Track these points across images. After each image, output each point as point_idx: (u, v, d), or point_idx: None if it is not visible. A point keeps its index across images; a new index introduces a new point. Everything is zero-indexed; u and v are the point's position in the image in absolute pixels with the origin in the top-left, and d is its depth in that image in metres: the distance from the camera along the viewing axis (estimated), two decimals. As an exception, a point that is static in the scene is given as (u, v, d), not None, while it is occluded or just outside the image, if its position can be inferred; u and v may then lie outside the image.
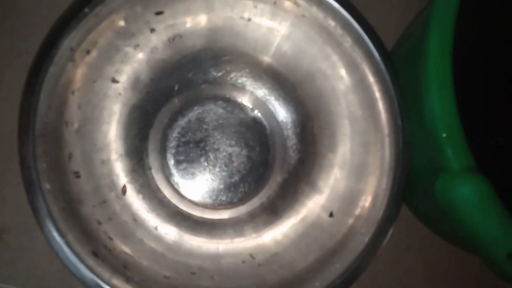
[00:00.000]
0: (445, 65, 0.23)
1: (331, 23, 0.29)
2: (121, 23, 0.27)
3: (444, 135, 0.23)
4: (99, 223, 0.26)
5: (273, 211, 0.32)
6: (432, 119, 0.23)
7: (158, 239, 0.29)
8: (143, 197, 0.30)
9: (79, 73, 0.26)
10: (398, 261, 0.35)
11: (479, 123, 0.27)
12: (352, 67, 0.29)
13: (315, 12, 0.29)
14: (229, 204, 0.32)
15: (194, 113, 0.33)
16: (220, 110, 0.34)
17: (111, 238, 0.26)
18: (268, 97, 0.34)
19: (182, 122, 0.33)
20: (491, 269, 0.23)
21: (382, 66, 0.28)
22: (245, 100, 0.34)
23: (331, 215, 0.30)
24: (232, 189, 0.33)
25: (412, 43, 0.29)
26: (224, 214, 0.32)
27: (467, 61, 0.26)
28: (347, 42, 0.29)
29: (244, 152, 0.33)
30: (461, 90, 0.24)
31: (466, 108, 0.24)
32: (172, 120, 0.33)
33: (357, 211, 0.28)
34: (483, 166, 0.23)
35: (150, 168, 0.31)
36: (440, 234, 0.33)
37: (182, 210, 0.31)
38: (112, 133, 0.29)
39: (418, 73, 0.25)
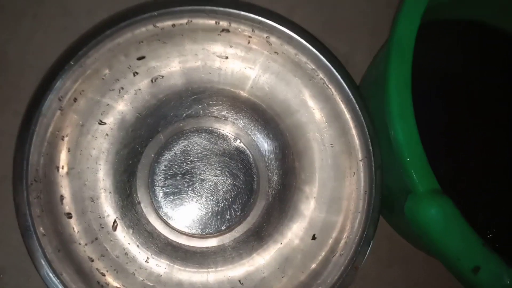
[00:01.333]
0: (405, 95, 0.25)
1: (302, 59, 0.31)
2: (106, 71, 0.29)
3: (408, 160, 0.25)
4: (92, 260, 0.28)
5: (259, 237, 0.33)
6: (397, 146, 0.25)
7: (149, 271, 0.30)
8: (133, 232, 0.31)
9: (68, 119, 0.28)
10: (382, 277, 0.36)
11: (443, 147, 0.29)
12: (325, 99, 0.31)
13: (287, 49, 0.31)
14: (217, 232, 0.34)
15: (179, 146, 0.35)
16: (204, 142, 0.35)
17: (103, 274, 0.28)
18: (249, 128, 0.35)
19: (168, 156, 0.34)
20: (460, 282, 0.25)
21: (352, 97, 0.30)
22: (227, 131, 0.35)
23: (313, 237, 0.31)
24: (219, 217, 0.34)
25: (378, 73, 0.31)
26: (212, 242, 0.33)
27: (428, 90, 0.29)
28: (318, 75, 0.31)
29: (229, 180, 0.35)
30: (424, 117, 0.26)
31: (430, 134, 0.26)
32: (159, 155, 0.34)
33: (337, 233, 0.30)
34: (448, 186, 0.25)
35: (139, 203, 0.33)
36: (420, 248, 0.35)
37: (172, 241, 0.33)
38: (101, 172, 0.31)
39: (383, 103, 0.27)
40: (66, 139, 0.28)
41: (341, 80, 0.30)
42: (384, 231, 0.36)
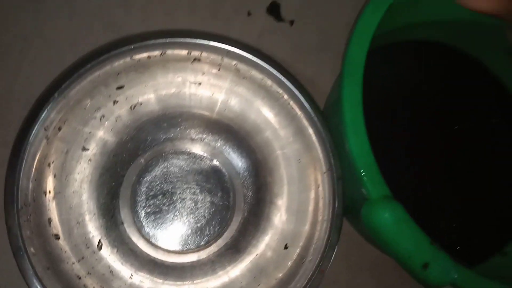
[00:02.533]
0: (357, 113, 0.28)
1: (268, 82, 0.34)
2: (87, 101, 0.32)
3: (362, 171, 0.28)
4: (79, 277, 0.30)
5: (236, 249, 0.36)
6: (352, 158, 0.28)
7: (134, 287, 0.32)
8: (117, 250, 0.33)
9: (53, 147, 0.30)
10: (353, 282, 0.39)
11: (395, 158, 0.32)
12: (290, 119, 0.34)
13: (254, 74, 0.34)
14: (197, 247, 0.36)
15: (159, 168, 0.37)
16: (182, 163, 0.38)
17: (91, 290, 0.30)
18: (223, 148, 0.38)
19: (148, 177, 0.37)
20: (414, 279, 0.27)
21: (313, 115, 0.33)
22: (203, 151, 0.38)
23: (285, 247, 0.34)
24: (199, 233, 0.37)
25: (336, 93, 0.34)
26: (192, 257, 0.36)
27: (380, 106, 0.32)
28: (283, 97, 0.34)
29: (207, 198, 0.37)
30: (382, 131, 0.29)
31: (384, 147, 0.29)
32: (139, 177, 0.36)
33: (305, 241, 0.32)
34: (399, 193, 0.28)
35: (122, 223, 0.35)
36: (385, 253, 0.38)
37: (154, 258, 0.35)
38: (85, 195, 0.33)
39: (340, 120, 0.30)
40: (52, 165, 0.31)
41: (304, 101, 0.33)
42: (353, 239, 0.39)
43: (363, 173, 0.28)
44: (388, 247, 0.27)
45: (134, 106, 0.35)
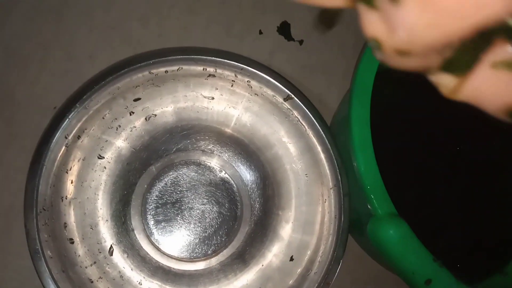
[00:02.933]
0: (365, 133, 0.30)
1: (279, 99, 0.35)
2: (106, 111, 0.33)
3: (369, 188, 0.29)
4: (92, 281, 0.31)
5: (242, 259, 0.37)
6: (359, 176, 0.29)
7: (143, 292, 0.33)
8: (128, 256, 0.34)
9: (72, 155, 0.32)
10: (356, 296, 0.40)
11: (401, 177, 0.33)
12: (299, 135, 0.35)
13: (266, 91, 0.35)
14: (204, 256, 0.37)
15: (169, 177, 0.38)
16: (192, 173, 0.39)
17: (102, 294, 0.31)
18: (233, 160, 0.39)
19: (159, 186, 0.38)
20: (416, 294, 0.28)
21: (322, 133, 0.34)
22: (213, 163, 0.39)
23: (291, 259, 0.35)
24: (206, 242, 0.38)
25: (345, 111, 0.36)
26: (200, 265, 0.37)
27: (387, 126, 0.33)
28: (293, 114, 0.35)
29: (215, 208, 0.38)
30: (390, 150, 0.30)
31: (390, 166, 0.30)
32: (151, 185, 0.38)
33: (311, 253, 0.33)
34: (404, 211, 0.29)
35: (133, 230, 0.36)
36: (387, 267, 0.39)
37: (162, 265, 0.36)
38: (99, 202, 0.34)
39: (348, 138, 0.31)
40: (70, 172, 0.32)
41: (313, 118, 0.34)
42: (358, 254, 0.40)
43: (370, 191, 0.29)
44: (392, 263, 0.28)
45: (149, 117, 0.36)
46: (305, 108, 0.34)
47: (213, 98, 0.37)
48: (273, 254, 0.36)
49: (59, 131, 0.30)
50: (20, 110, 0.37)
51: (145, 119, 0.36)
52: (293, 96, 0.34)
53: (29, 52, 0.39)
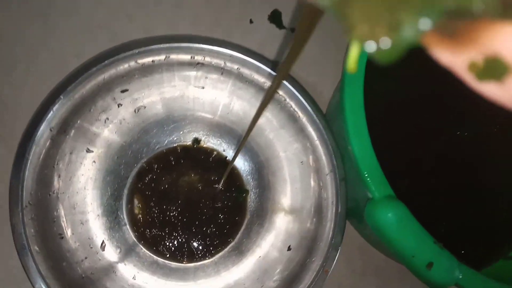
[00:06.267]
0: (359, 117, 0.29)
1: (268, 85, 0.34)
2: (92, 103, 0.32)
3: (365, 172, 0.28)
4: (83, 277, 0.30)
5: (239, 251, 0.36)
6: (354, 159, 0.28)
7: (137, 287, 0.32)
8: (121, 251, 0.33)
9: (58, 148, 0.31)
10: (356, 286, 0.39)
11: (397, 163, 0.32)
12: (292, 120, 0.34)
13: (256, 78, 0.34)
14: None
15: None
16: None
17: (94, 290, 0.30)
18: (227, 151, 0.38)
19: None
20: (418, 278, 0.27)
21: (316, 118, 0.33)
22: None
23: (289, 248, 0.34)
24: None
25: (338, 98, 0.35)
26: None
27: (382, 109, 0.32)
28: (286, 100, 0.34)
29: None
30: (380, 137, 0.29)
31: (385, 152, 0.29)
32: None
33: (309, 242, 0.32)
34: (402, 195, 0.28)
35: (125, 224, 0.35)
36: (388, 255, 0.38)
37: (157, 259, 0.35)
38: (89, 196, 0.33)
39: (342, 122, 0.30)
40: (56, 166, 0.31)
41: (306, 104, 0.33)
42: (357, 243, 0.39)
43: (366, 174, 0.28)
44: (391, 246, 0.27)
45: (138, 109, 0.35)
46: (298, 94, 0.33)
47: (203, 88, 0.36)
48: (270, 244, 0.35)
49: (43, 124, 0.29)
50: (7, 112, 0.36)
51: (134, 111, 0.35)
52: (285, 82, 0.33)
53: (15, 54, 0.38)
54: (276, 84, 0.22)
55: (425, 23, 0.08)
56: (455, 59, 0.09)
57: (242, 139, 0.29)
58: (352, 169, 0.32)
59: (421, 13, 0.08)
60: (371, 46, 0.09)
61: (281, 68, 0.20)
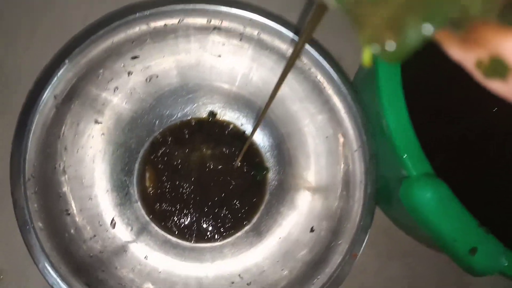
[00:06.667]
0: (395, 85, 0.26)
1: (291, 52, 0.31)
2: (100, 70, 0.29)
3: (401, 145, 0.25)
4: (91, 256, 0.28)
5: (258, 232, 0.33)
6: (389, 133, 0.25)
7: (149, 268, 0.30)
8: (132, 229, 0.31)
9: (63, 118, 0.28)
10: (382, 271, 0.36)
11: (435, 139, 0.29)
12: (317, 91, 0.31)
13: (278, 45, 0.31)
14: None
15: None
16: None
17: (103, 270, 0.28)
18: (245, 125, 0.36)
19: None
20: (458, 265, 0.25)
21: (344, 89, 0.30)
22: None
23: (312, 230, 0.31)
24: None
25: (368, 68, 0.32)
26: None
27: (418, 81, 0.29)
28: (310, 69, 0.31)
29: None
30: (420, 109, 0.26)
31: (423, 127, 0.26)
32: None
33: (334, 223, 0.30)
34: (440, 173, 0.25)
35: (136, 201, 0.33)
36: (419, 239, 0.35)
37: (170, 239, 0.33)
38: (98, 171, 0.31)
39: (374, 94, 0.27)
40: (62, 137, 0.29)
41: (333, 73, 0.30)
42: (383, 226, 0.36)
43: (403, 149, 0.25)
44: (430, 229, 0.24)
45: (150, 78, 0.32)
46: (324, 62, 0.30)
47: (220, 56, 0.33)
48: (292, 226, 0.33)
49: (47, 91, 0.27)
50: (11, 80, 0.33)
51: (146, 80, 0.32)
52: (309, 48, 0.30)
53: (18, 18, 0.35)
54: (299, 48, 0.20)
55: (428, 29, 0.09)
56: (465, 56, 0.10)
57: (262, 111, 0.27)
58: (383, 145, 0.29)
59: (425, 19, 0.09)
60: (376, 48, 0.10)
61: (305, 29, 0.18)
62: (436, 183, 0.24)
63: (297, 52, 0.20)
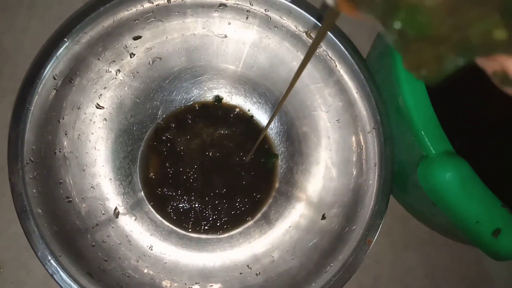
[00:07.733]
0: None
1: (302, 31, 0.30)
2: (101, 50, 0.28)
3: (419, 122, 0.23)
4: (93, 245, 0.27)
5: (267, 221, 0.32)
6: (407, 110, 0.24)
7: (154, 258, 0.29)
8: (136, 219, 0.30)
9: (63, 101, 0.27)
10: (398, 261, 0.35)
11: (453, 117, 0.28)
12: (328, 72, 0.30)
13: (286, 23, 0.30)
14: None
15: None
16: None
17: (105, 260, 0.26)
18: (253, 109, 0.34)
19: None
20: (481, 249, 0.23)
21: (356, 67, 0.29)
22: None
23: (323, 217, 0.30)
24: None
25: (383, 44, 0.30)
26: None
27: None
28: (321, 47, 0.30)
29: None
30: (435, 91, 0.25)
31: (441, 100, 0.25)
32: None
33: (347, 209, 0.28)
34: (461, 154, 0.24)
35: (140, 190, 0.32)
36: (435, 228, 0.33)
37: (175, 229, 0.32)
38: (101, 158, 0.30)
39: (391, 71, 0.26)
40: (62, 121, 0.27)
41: (345, 51, 0.29)
42: (398, 214, 0.35)
43: (421, 126, 0.23)
44: (450, 211, 0.23)
45: (153, 61, 0.31)
46: (336, 40, 0.29)
47: (225, 36, 0.32)
48: (301, 214, 0.31)
49: (46, 71, 0.25)
50: (9, 62, 0.32)
51: (149, 63, 0.31)
52: (320, 25, 0.29)
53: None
54: (321, 36, 0.20)
55: (461, 61, 0.11)
56: (487, 64, 0.12)
57: (278, 104, 0.25)
58: (398, 127, 0.28)
59: (459, 55, 0.11)
60: (419, 75, 0.12)
61: (326, 18, 0.18)
62: (457, 162, 0.23)
63: (319, 40, 0.20)
